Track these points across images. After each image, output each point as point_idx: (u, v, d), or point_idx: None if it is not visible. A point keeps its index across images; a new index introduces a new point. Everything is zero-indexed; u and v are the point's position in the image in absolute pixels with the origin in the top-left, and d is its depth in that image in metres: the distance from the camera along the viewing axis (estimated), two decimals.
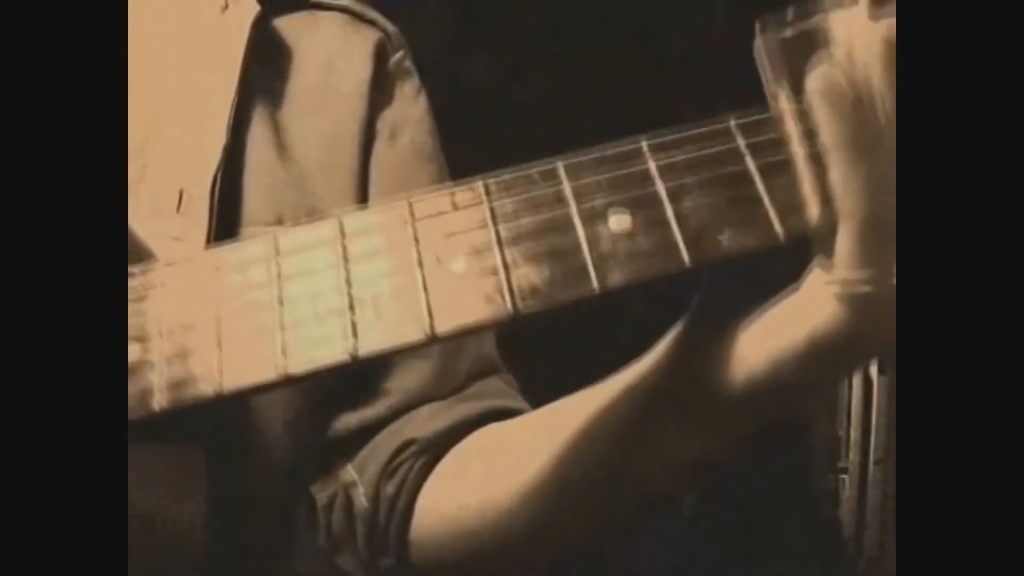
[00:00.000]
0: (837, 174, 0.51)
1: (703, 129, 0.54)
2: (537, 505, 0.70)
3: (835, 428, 2.17)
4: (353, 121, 0.85)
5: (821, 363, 0.56)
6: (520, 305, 0.52)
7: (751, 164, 0.53)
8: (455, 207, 0.55)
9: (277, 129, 0.83)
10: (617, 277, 0.51)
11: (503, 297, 0.52)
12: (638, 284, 0.51)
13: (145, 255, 0.61)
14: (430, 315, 0.52)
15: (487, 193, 0.55)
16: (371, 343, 0.53)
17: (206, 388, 0.54)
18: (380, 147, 0.86)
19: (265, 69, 0.84)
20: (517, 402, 0.83)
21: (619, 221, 0.52)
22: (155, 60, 0.82)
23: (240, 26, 0.82)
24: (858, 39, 0.51)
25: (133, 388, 0.54)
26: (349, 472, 0.81)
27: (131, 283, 0.57)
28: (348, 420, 0.82)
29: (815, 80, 0.52)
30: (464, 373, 0.84)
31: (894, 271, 0.50)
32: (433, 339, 0.52)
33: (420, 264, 0.54)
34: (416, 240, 0.54)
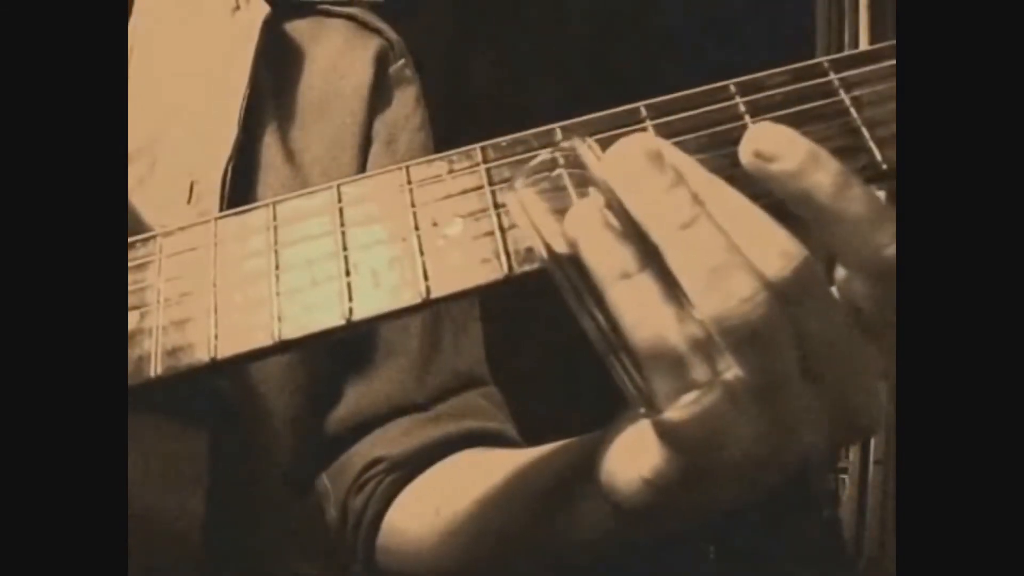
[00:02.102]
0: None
1: (702, 89, 0.54)
2: (467, 543, 0.71)
3: None
4: (352, 125, 0.87)
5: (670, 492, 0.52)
6: (516, 267, 0.51)
7: (751, 124, 0.52)
8: (452, 171, 0.55)
9: (283, 129, 0.85)
10: None
11: (499, 259, 0.52)
12: None
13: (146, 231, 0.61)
14: (426, 278, 0.52)
15: (484, 157, 0.55)
16: (367, 307, 0.53)
17: (201, 355, 0.54)
18: (377, 150, 0.88)
19: (273, 71, 0.86)
20: (495, 423, 0.84)
21: None
22: (166, 58, 0.84)
23: (250, 27, 0.84)
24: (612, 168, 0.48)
25: (130, 355, 0.54)
26: (323, 481, 0.83)
27: (131, 253, 0.57)
28: (331, 420, 0.83)
29: (571, 219, 0.48)
30: (442, 383, 0.85)
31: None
32: (429, 302, 0.52)
33: (416, 228, 0.54)
34: (412, 204, 0.54)
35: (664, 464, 0.50)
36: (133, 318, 0.55)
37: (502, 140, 0.55)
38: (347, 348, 0.83)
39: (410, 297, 0.52)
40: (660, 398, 0.47)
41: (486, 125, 0.61)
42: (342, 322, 0.53)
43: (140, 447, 0.60)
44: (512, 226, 0.52)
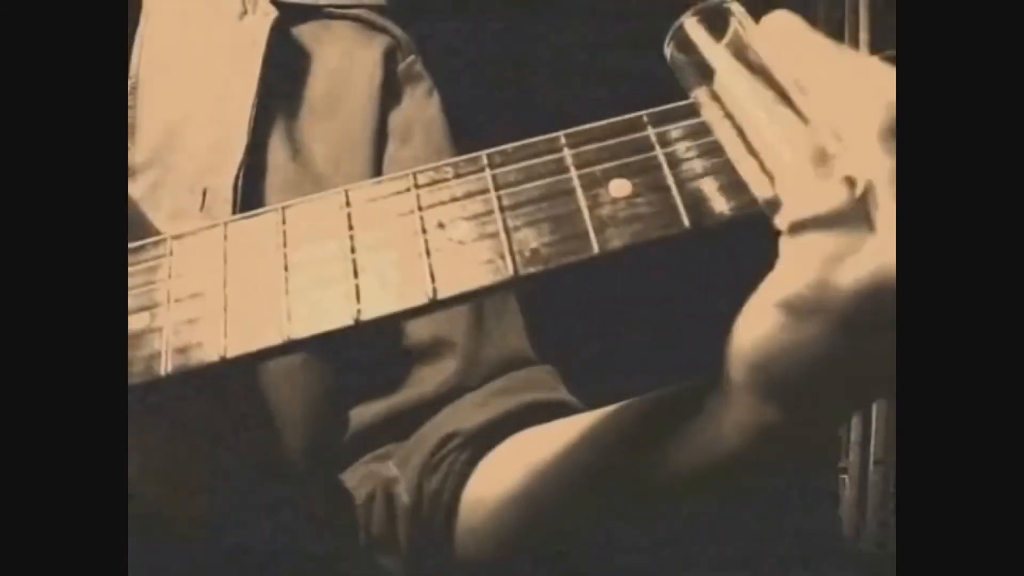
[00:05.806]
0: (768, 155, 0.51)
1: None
2: (568, 501, 0.70)
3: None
4: (365, 125, 0.87)
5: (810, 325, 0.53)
6: (521, 268, 0.52)
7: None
8: (458, 175, 0.56)
9: (293, 133, 0.85)
10: (617, 241, 0.52)
11: (504, 261, 0.53)
12: (638, 248, 0.52)
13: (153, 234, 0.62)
14: (432, 279, 0.53)
15: (490, 163, 0.56)
16: (374, 307, 0.54)
17: (211, 353, 0.55)
18: (393, 148, 0.88)
19: (281, 75, 0.86)
20: (560, 394, 0.84)
21: (619, 186, 0.53)
22: (175, 65, 0.85)
23: (257, 32, 0.85)
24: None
25: (140, 354, 0.55)
26: (390, 468, 0.82)
27: (143, 255, 0.58)
28: (373, 410, 0.83)
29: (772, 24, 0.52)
30: (492, 364, 0.84)
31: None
32: (435, 303, 0.53)
33: (423, 230, 0.55)
34: (419, 207, 0.55)
35: (776, 322, 0.52)
36: (144, 318, 0.56)
37: (507, 147, 0.56)
38: (395, 338, 0.83)
39: (417, 298, 0.53)
40: (793, 204, 0.50)
41: (489, 127, 0.62)
42: (350, 322, 0.53)
43: (141, 447, 0.61)
44: (517, 228, 0.53)
